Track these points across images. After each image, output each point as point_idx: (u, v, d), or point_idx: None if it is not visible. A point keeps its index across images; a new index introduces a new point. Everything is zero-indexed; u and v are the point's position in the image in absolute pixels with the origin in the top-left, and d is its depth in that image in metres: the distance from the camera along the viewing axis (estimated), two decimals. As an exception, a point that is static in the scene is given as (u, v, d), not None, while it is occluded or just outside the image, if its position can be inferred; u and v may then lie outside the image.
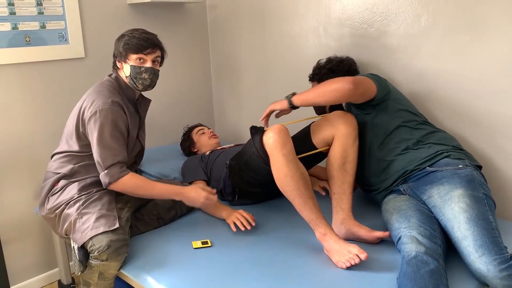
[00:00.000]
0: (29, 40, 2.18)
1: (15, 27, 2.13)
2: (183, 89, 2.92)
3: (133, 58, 1.82)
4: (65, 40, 2.31)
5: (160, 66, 1.92)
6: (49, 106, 2.27)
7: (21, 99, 2.21)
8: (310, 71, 2.19)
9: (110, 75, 1.92)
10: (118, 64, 1.89)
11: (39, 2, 2.19)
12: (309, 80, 2.21)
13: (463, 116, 2.00)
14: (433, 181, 1.71)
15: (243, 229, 1.84)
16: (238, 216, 1.88)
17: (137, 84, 1.86)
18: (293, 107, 1.92)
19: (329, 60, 2.16)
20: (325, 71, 2.12)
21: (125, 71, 1.86)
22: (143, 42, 1.82)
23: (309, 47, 2.48)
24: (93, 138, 1.76)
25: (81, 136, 1.83)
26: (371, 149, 1.92)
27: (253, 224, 1.87)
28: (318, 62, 2.20)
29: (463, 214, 1.54)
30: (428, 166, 1.76)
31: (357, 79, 1.82)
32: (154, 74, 1.86)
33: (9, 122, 2.18)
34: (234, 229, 1.86)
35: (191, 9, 2.87)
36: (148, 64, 1.84)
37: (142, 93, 1.99)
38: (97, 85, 1.88)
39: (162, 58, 1.92)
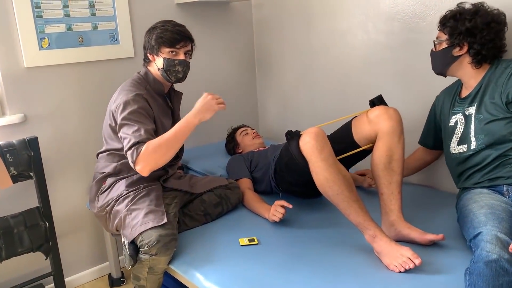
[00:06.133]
0: (82, 41, 2.26)
1: (69, 28, 2.21)
2: (228, 87, 2.93)
3: (165, 51, 1.86)
4: (116, 40, 2.37)
5: (190, 58, 1.94)
6: (101, 104, 2.33)
7: (75, 98, 2.29)
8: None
9: (139, 72, 1.96)
10: (150, 57, 1.92)
11: (91, 4, 2.26)
12: (439, 28, 1.80)
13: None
14: None
15: (278, 218, 1.85)
16: (274, 212, 1.87)
17: (170, 76, 1.89)
18: None
19: (475, 11, 1.67)
20: (463, 30, 1.68)
21: (157, 63, 1.89)
22: (176, 35, 1.84)
23: (357, 43, 2.42)
24: (118, 128, 1.80)
25: (116, 133, 1.86)
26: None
27: (290, 206, 1.84)
28: (458, 5, 1.75)
29: None
30: None
31: None
32: (186, 67, 1.90)
33: (64, 119, 2.27)
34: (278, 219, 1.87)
35: (237, 8, 2.88)
36: (181, 57, 1.87)
37: (175, 86, 2.04)
38: (125, 82, 1.93)
39: (192, 50, 1.95)
